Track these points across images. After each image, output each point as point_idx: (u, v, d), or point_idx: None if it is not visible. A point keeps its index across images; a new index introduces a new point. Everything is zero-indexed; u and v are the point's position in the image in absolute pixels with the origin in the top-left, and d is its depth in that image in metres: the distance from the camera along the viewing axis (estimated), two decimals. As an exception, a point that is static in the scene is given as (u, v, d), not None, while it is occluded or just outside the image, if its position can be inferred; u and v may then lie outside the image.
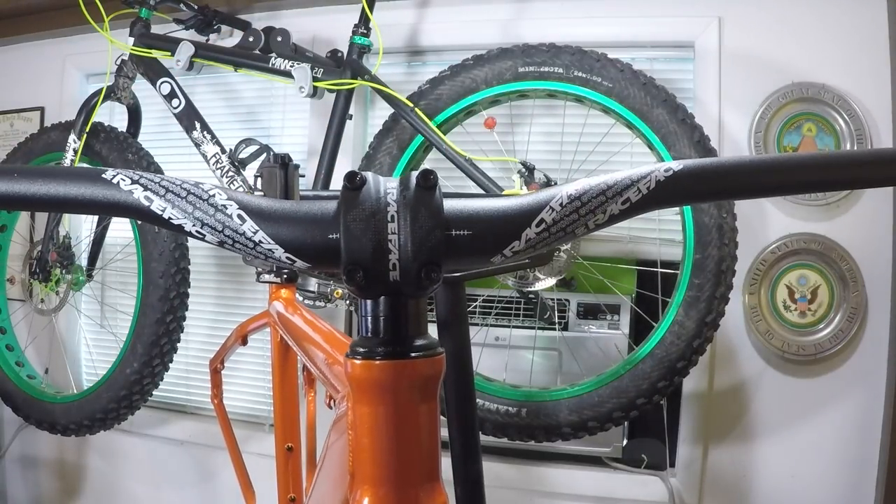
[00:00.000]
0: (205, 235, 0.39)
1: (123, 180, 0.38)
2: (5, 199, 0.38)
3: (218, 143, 1.71)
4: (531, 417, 1.47)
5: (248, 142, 1.70)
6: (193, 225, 0.38)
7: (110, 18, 1.75)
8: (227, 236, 0.39)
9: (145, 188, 0.38)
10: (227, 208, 0.39)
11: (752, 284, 1.68)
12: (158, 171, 1.81)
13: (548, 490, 1.84)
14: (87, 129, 1.78)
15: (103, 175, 0.39)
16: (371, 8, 1.64)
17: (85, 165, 1.77)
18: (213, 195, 0.39)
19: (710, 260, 1.39)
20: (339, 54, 1.67)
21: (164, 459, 2.22)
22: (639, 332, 1.81)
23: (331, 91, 1.64)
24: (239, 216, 0.39)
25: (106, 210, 0.39)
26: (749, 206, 1.67)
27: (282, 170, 1.09)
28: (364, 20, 1.65)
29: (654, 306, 1.57)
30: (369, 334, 0.41)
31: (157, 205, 0.38)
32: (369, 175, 0.39)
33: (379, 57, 1.69)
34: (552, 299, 1.76)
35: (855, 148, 1.63)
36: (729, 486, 1.74)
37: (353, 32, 1.65)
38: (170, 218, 0.38)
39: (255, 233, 0.38)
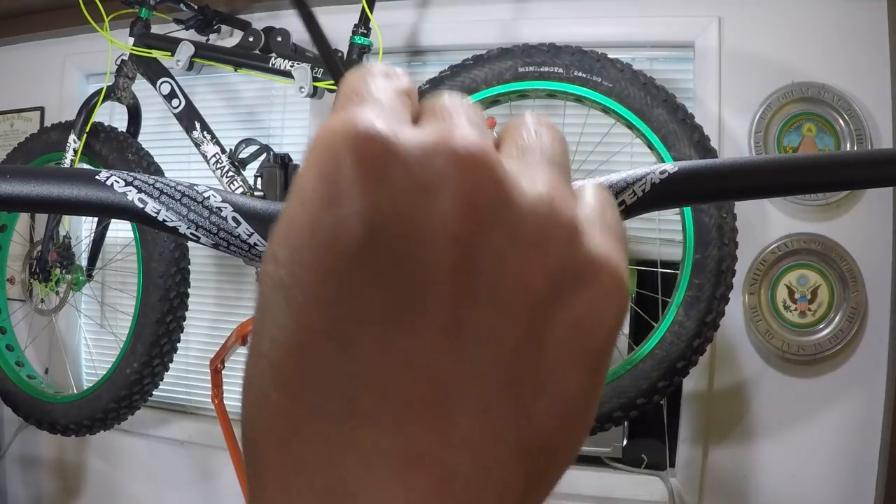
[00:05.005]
0: (199, 238, 0.38)
1: (117, 182, 0.38)
2: None
3: (218, 143, 1.71)
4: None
5: (248, 142, 1.70)
6: (188, 227, 0.38)
7: (110, 18, 1.75)
8: (223, 239, 0.38)
9: (139, 190, 0.38)
10: (221, 211, 0.38)
11: (752, 284, 1.67)
12: (159, 171, 1.81)
13: (548, 490, 1.84)
14: (87, 129, 1.78)
15: (97, 177, 0.38)
16: (371, 8, 1.64)
17: (83, 166, 1.77)
18: (208, 197, 0.39)
19: (710, 260, 1.38)
20: (340, 54, 1.67)
21: (164, 459, 2.21)
22: (639, 332, 1.80)
23: (331, 91, 1.64)
24: (234, 219, 0.38)
25: (100, 212, 0.38)
26: (749, 206, 1.66)
27: (282, 170, 1.09)
28: (364, 20, 1.65)
29: (654, 306, 1.57)
30: None
31: (151, 207, 0.38)
32: None
33: (379, 57, 1.69)
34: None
35: (855, 148, 1.63)
36: (729, 486, 1.74)
37: (353, 32, 1.65)
38: (164, 220, 0.38)
39: (250, 235, 0.38)
